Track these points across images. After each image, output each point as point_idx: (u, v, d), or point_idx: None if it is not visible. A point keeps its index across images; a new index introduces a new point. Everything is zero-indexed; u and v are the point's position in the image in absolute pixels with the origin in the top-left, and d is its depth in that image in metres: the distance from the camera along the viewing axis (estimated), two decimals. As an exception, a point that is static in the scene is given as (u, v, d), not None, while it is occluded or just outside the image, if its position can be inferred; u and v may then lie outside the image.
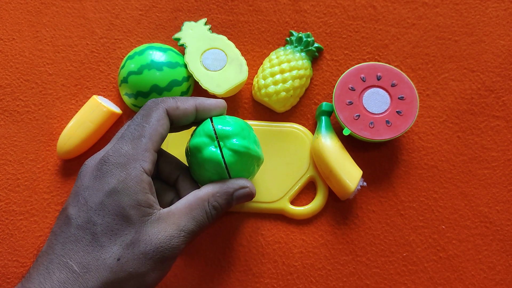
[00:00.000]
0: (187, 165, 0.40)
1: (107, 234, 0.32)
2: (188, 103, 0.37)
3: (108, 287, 0.31)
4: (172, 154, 0.41)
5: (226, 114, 0.42)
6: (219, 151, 0.36)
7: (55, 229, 0.33)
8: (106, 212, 0.32)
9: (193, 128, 0.40)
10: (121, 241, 0.32)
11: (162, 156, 0.40)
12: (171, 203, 0.39)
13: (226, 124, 0.37)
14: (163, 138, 0.35)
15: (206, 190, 0.36)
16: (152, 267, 0.32)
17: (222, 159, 0.36)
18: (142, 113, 0.35)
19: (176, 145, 0.46)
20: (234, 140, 0.36)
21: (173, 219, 0.34)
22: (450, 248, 0.45)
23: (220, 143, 0.36)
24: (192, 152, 0.37)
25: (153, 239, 0.32)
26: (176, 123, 0.37)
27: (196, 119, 0.38)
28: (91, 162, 0.35)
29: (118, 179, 0.32)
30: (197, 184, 0.40)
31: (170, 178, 0.40)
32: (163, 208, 0.35)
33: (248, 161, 0.37)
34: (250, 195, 0.37)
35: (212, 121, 0.37)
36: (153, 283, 0.33)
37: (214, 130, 0.36)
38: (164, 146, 0.46)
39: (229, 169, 0.36)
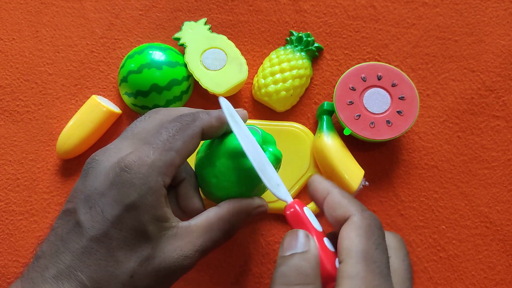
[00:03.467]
0: (197, 175, 0.38)
1: (123, 249, 0.30)
2: (220, 120, 0.35)
3: None
4: None
5: None
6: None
7: (61, 231, 0.31)
8: (124, 227, 0.30)
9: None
10: (136, 257, 0.31)
11: None
12: None
13: (257, 133, 0.37)
14: (190, 156, 0.34)
15: (228, 209, 0.35)
16: (160, 283, 0.32)
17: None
18: (178, 125, 0.33)
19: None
20: (270, 148, 0.37)
21: (190, 238, 0.33)
22: (450, 248, 0.45)
23: (263, 146, 0.36)
24: (228, 159, 0.35)
25: (167, 258, 0.31)
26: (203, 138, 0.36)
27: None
28: (105, 160, 0.32)
29: (139, 193, 0.30)
30: (199, 195, 0.38)
31: (174, 179, 0.39)
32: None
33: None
34: (264, 214, 0.38)
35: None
36: None
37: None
38: None
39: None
